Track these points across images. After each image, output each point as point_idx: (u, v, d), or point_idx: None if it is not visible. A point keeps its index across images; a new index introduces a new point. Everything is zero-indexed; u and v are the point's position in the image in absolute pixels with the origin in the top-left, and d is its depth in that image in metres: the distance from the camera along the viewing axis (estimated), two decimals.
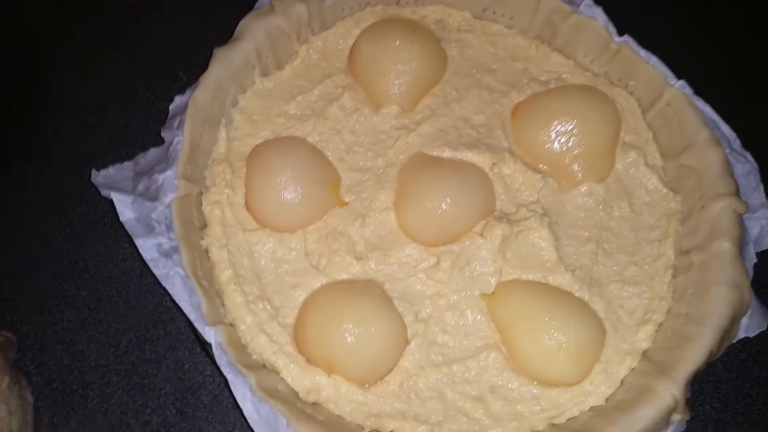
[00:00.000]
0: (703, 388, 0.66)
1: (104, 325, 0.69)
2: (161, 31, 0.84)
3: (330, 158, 0.69)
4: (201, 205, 0.66)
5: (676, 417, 0.57)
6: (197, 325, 0.56)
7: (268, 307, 0.62)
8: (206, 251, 0.64)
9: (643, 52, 0.72)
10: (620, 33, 0.72)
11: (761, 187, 0.68)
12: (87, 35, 0.83)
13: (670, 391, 0.56)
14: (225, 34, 0.70)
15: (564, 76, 0.75)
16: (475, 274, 0.64)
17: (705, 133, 0.67)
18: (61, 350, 0.68)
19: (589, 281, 0.65)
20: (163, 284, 0.58)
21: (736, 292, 0.60)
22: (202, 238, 0.64)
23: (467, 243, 0.65)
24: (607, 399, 0.59)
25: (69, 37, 0.83)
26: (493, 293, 0.63)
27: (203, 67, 0.67)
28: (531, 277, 0.64)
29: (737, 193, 0.65)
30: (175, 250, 0.60)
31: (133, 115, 0.80)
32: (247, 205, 0.66)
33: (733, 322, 0.60)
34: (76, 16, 0.85)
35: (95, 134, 0.79)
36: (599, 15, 0.73)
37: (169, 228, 0.61)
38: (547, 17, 0.75)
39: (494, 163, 0.68)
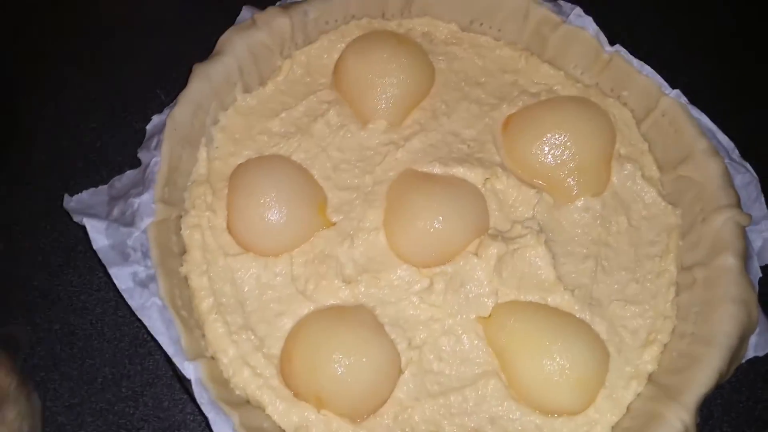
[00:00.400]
0: (713, 411, 0.64)
1: (78, 360, 0.65)
2: (137, 47, 0.81)
3: (316, 177, 0.66)
4: (180, 229, 0.62)
5: None
6: (176, 360, 0.53)
7: (252, 338, 0.58)
8: (185, 279, 0.61)
9: (635, 62, 0.70)
10: (612, 43, 0.70)
11: (762, 198, 0.66)
12: (59, 53, 0.80)
13: (680, 417, 0.53)
14: (205, 50, 0.67)
15: (555, 87, 0.72)
16: (470, 296, 0.61)
17: (703, 143, 0.65)
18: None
19: (589, 301, 0.62)
20: (139, 316, 0.55)
21: (744, 309, 0.58)
22: (182, 265, 0.61)
23: (461, 263, 0.62)
24: (613, 427, 0.57)
25: (39, 56, 0.80)
26: (489, 316, 0.61)
27: (182, 84, 0.64)
28: (529, 298, 0.62)
29: (739, 204, 0.63)
30: (151, 278, 0.57)
31: (108, 136, 0.76)
32: (229, 228, 0.63)
33: (742, 341, 0.58)
34: (46, 34, 0.81)
35: (69, 157, 0.75)
36: (589, 25, 0.71)
37: (146, 255, 0.58)
38: (536, 28, 0.73)
39: (487, 179, 0.66)
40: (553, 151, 0.66)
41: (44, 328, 0.67)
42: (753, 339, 0.60)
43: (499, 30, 0.75)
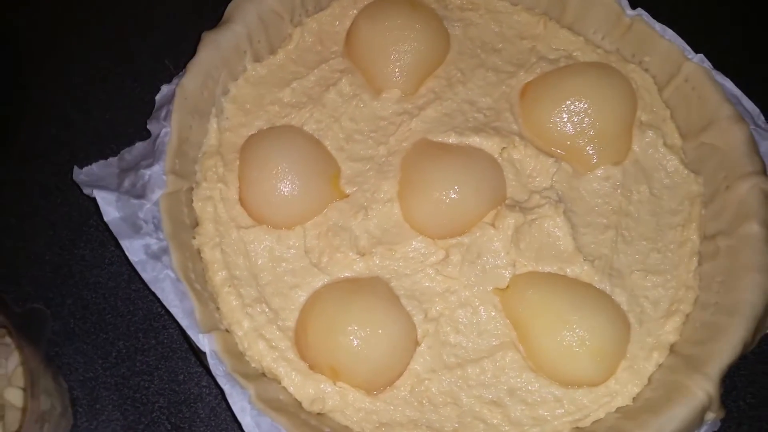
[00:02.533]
0: (736, 382, 0.62)
1: (92, 335, 0.65)
2: (145, 17, 0.79)
3: (328, 147, 0.65)
4: (191, 201, 0.61)
5: (710, 416, 0.53)
6: (190, 332, 0.52)
7: (267, 310, 0.57)
8: (198, 251, 0.60)
9: (658, 26, 0.68)
10: (633, 6, 0.68)
11: None
12: (66, 26, 0.79)
13: (703, 388, 0.52)
14: (213, 19, 0.66)
15: (574, 53, 0.70)
16: (487, 267, 0.60)
17: (727, 109, 0.63)
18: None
19: (609, 271, 0.61)
20: (152, 289, 0.54)
21: None
22: (194, 237, 0.60)
23: (478, 234, 0.61)
24: (634, 398, 0.56)
25: (47, 29, 0.78)
26: (507, 287, 0.59)
27: (191, 54, 0.63)
28: (547, 269, 0.60)
29: (765, 171, 0.61)
30: (164, 251, 0.56)
31: (118, 108, 0.75)
32: (242, 201, 0.62)
33: (767, 310, 0.56)
34: (53, 7, 0.80)
35: (78, 129, 0.74)
36: None
37: (158, 227, 0.57)
38: None
39: (504, 148, 0.64)
40: (572, 119, 0.64)
41: (57, 303, 0.66)
42: None
43: None
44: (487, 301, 0.59)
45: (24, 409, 0.54)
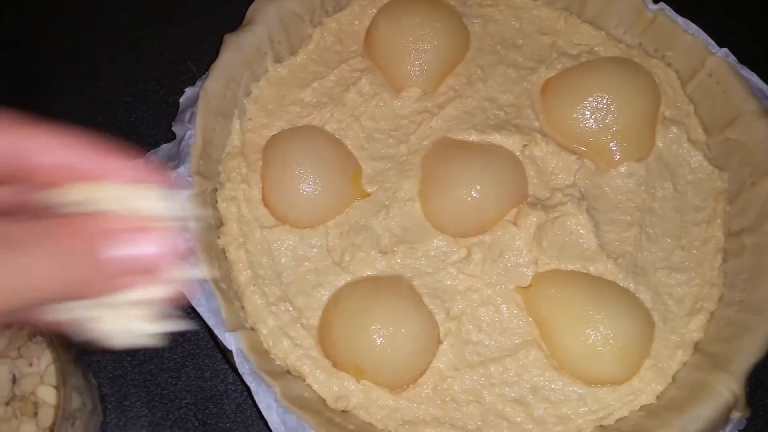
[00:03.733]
0: (761, 380, 0.62)
1: None
2: (168, 21, 0.80)
3: (349, 147, 0.65)
4: (216, 202, 0.62)
5: (736, 415, 0.53)
6: (217, 331, 0.53)
7: (291, 309, 0.58)
8: (223, 251, 0.61)
9: (680, 20, 0.67)
10: (655, 0, 0.67)
11: None
12: (90, 29, 0.80)
13: (728, 387, 0.52)
14: (235, 21, 0.66)
15: (596, 48, 0.70)
16: (509, 265, 0.60)
17: (752, 104, 0.62)
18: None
19: (633, 269, 0.60)
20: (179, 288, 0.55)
21: None
22: (219, 237, 0.61)
23: (500, 233, 0.61)
24: (658, 397, 0.55)
25: (72, 33, 0.80)
26: (529, 286, 0.59)
27: (213, 56, 0.63)
28: (570, 267, 0.60)
29: None
30: (191, 251, 0.57)
31: (142, 111, 0.76)
32: (265, 201, 0.63)
33: None
34: (77, 10, 0.81)
35: (103, 132, 0.75)
36: None
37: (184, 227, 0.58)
38: None
39: (525, 146, 0.64)
40: (594, 115, 0.64)
41: None
42: None
43: None
44: (509, 299, 0.59)
45: (57, 407, 0.55)
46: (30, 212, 0.29)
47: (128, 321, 0.29)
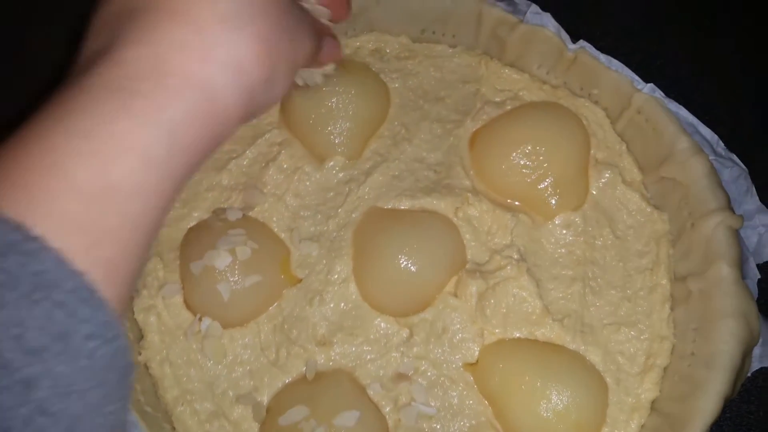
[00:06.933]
0: (722, 426, 0.60)
1: None
2: None
3: (275, 230, 0.61)
4: (133, 313, 0.58)
5: None
6: None
7: (226, 425, 0.54)
8: (146, 366, 0.56)
9: (603, 57, 0.64)
10: (574, 39, 0.65)
11: (753, 190, 0.62)
12: None
13: None
14: None
15: (520, 93, 0.67)
16: (455, 341, 0.57)
17: (684, 141, 0.60)
18: None
19: (581, 328, 0.58)
20: None
21: (744, 323, 0.54)
22: (140, 353, 0.56)
23: (440, 307, 0.58)
24: None
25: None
26: (477, 362, 0.57)
27: None
28: (517, 334, 0.58)
29: (729, 205, 0.58)
30: None
31: None
32: (187, 304, 0.58)
33: (745, 356, 0.54)
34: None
35: None
36: (549, 22, 0.65)
37: None
38: (492, 31, 0.67)
39: (458, 208, 0.61)
40: (524, 167, 0.61)
41: None
42: (756, 351, 0.56)
43: (454, 36, 0.69)
44: (458, 378, 0.56)
45: None
46: None
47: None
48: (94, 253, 0.30)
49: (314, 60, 0.44)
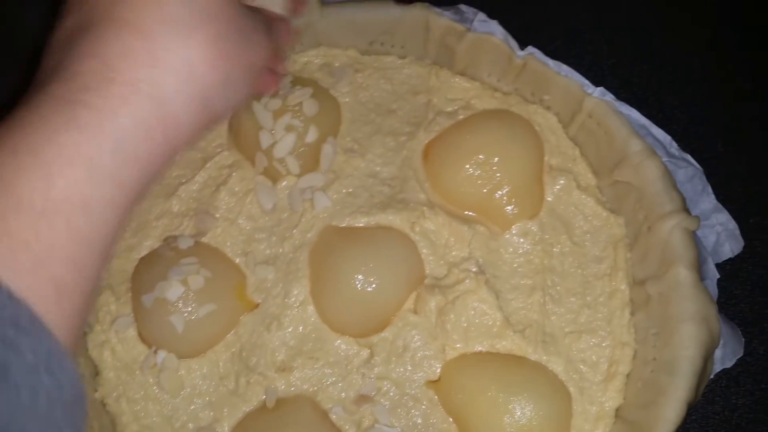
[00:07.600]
0: (689, 430, 0.60)
1: None
2: None
3: (228, 254, 0.60)
4: (87, 350, 0.56)
5: None
6: None
7: None
8: (102, 404, 0.55)
9: (551, 62, 0.64)
10: (522, 46, 0.64)
11: (709, 189, 0.62)
12: None
13: None
14: None
15: (472, 101, 0.66)
16: (416, 359, 0.56)
17: (636, 144, 0.60)
18: None
19: (542, 338, 0.58)
20: None
21: (704, 327, 0.53)
22: (96, 390, 0.55)
23: (400, 325, 0.57)
24: None
25: None
26: (439, 379, 0.56)
27: None
28: (478, 348, 0.57)
29: (685, 207, 0.58)
30: None
31: None
32: (141, 336, 0.57)
33: (706, 360, 0.54)
34: None
35: None
36: (496, 29, 0.64)
37: None
38: (441, 40, 0.66)
39: (414, 222, 0.60)
40: (478, 178, 0.61)
41: None
42: (718, 353, 0.56)
43: (402, 47, 0.68)
44: (422, 397, 0.56)
45: None
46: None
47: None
48: (41, 272, 0.29)
49: (273, 58, 0.43)
